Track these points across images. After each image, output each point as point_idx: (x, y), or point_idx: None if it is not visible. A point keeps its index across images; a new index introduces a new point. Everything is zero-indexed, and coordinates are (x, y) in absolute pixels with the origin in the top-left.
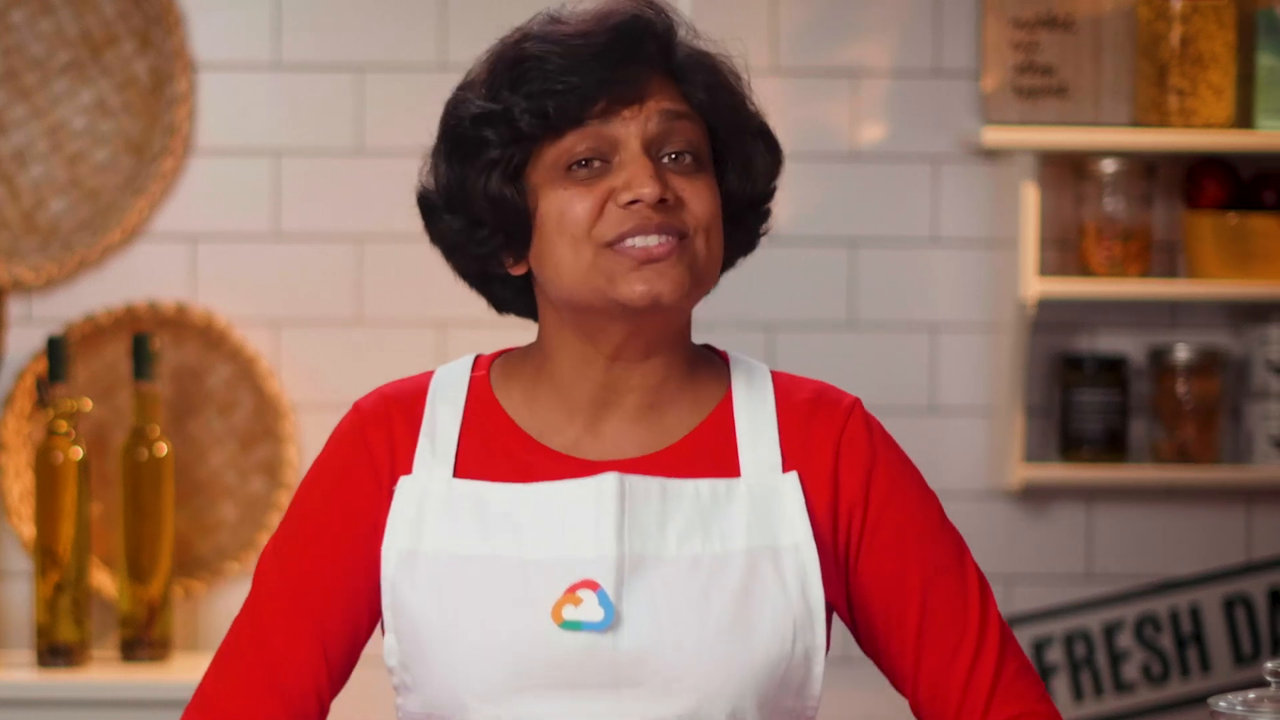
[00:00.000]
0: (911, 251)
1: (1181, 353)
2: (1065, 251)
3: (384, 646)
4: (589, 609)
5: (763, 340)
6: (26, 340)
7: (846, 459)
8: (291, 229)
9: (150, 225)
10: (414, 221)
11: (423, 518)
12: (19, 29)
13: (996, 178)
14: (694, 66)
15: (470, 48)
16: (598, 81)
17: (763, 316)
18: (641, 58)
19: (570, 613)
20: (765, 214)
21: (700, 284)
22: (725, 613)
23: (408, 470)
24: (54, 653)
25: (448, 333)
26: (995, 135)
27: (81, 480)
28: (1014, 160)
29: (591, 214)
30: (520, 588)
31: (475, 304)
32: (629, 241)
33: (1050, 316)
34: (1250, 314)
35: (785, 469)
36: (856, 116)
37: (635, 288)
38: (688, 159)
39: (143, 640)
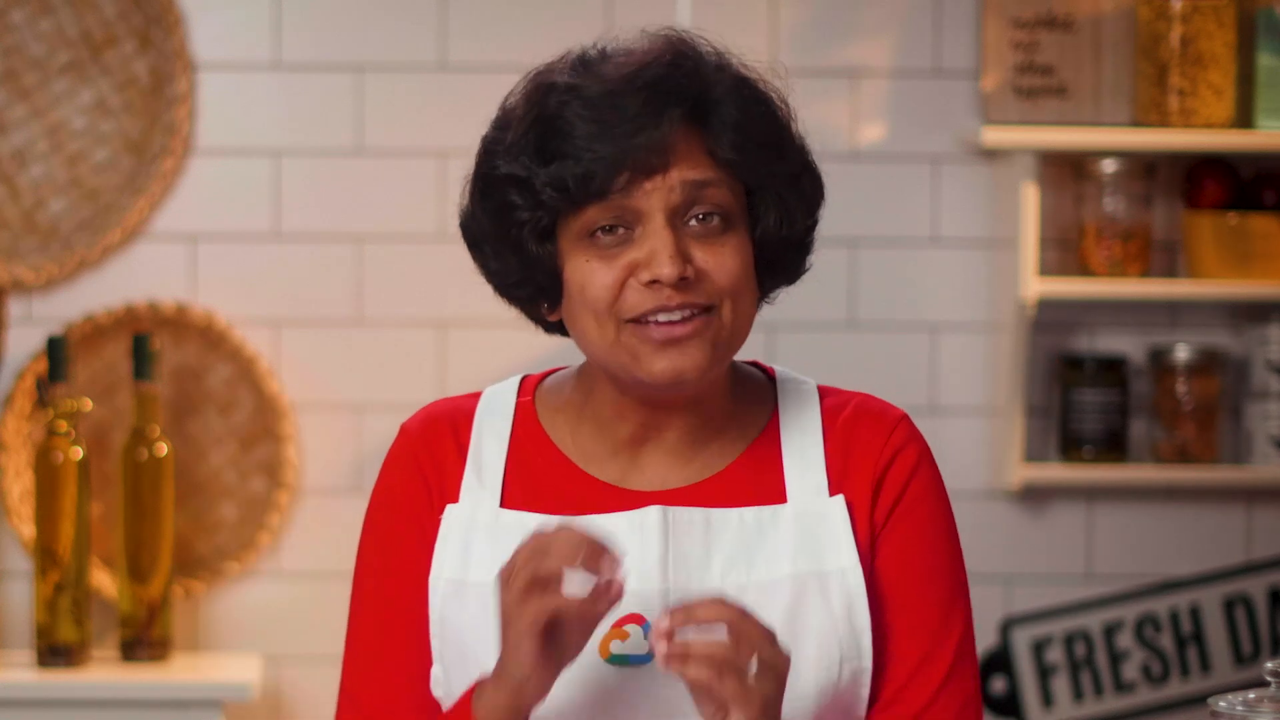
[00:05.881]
0: (911, 251)
1: (1181, 353)
2: (1065, 251)
3: (431, 676)
4: (635, 643)
5: (762, 340)
6: (26, 340)
7: (895, 468)
8: (291, 229)
9: (150, 225)
10: (414, 221)
11: (469, 547)
12: (19, 29)
13: (996, 178)
14: (723, 125)
15: (470, 48)
16: (620, 151)
17: (762, 316)
18: (668, 121)
19: (617, 647)
20: (806, 248)
21: (726, 353)
22: None
23: (454, 493)
24: (54, 653)
25: (448, 333)
26: (995, 135)
27: (81, 480)
28: (1014, 160)
29: (613, 290)
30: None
31: (475, 304)
32: (651, 320)
33: (1050, 316)
34: (1250, 314)
35: (832, 492)
36: (856, 116)
37: (657, 365)
38: (715, 220)
39: (143, 640)
